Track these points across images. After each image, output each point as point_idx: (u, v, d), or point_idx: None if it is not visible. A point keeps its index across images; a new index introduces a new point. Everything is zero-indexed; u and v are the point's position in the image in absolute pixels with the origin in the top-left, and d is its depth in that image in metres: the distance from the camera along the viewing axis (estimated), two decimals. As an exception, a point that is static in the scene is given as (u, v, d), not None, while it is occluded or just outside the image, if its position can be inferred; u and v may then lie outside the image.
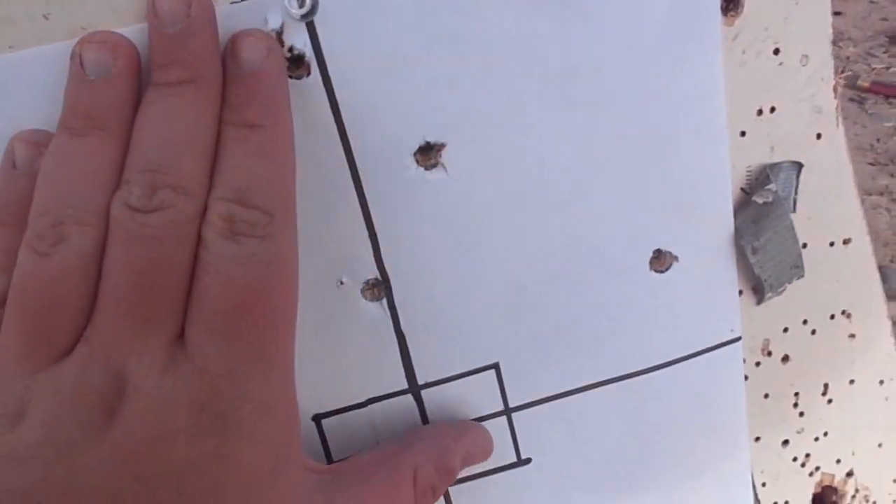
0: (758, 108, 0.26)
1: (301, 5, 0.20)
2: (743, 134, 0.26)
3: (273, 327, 0.18)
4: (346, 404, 0.25)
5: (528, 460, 0.27)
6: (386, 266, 0.24)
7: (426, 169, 0.23)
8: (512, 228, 0.25)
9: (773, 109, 0.26)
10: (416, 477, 0.22)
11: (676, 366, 0.28)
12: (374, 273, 0.24)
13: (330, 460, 0.26)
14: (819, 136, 0.27)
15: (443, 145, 0.23)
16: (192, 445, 0.17)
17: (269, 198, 0.18)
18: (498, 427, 0.27)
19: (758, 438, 0.30)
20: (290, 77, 0.21)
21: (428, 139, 0.23)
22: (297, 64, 0.21)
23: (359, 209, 0.23)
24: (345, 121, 0.22)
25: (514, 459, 0.27)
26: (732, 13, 0.24)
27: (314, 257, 0.23)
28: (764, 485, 0.31)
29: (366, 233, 0.23)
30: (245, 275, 0.18)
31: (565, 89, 0.23)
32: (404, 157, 0.23)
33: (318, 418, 0.25)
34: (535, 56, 0.23)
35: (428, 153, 0.23)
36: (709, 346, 0.28)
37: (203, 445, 0.17)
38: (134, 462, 0.16)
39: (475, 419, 0.26)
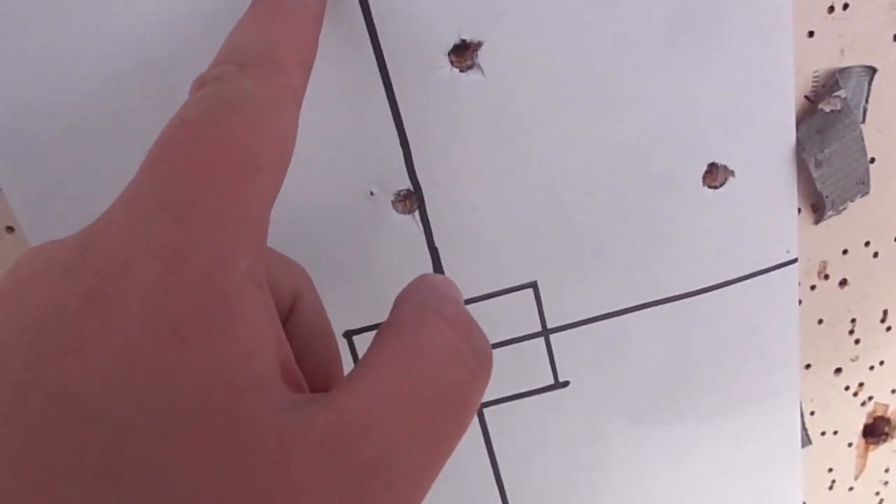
0: (829, 4, 0.23)
1: None
2: (811, 34, 0.24)
3: (222, 169, 0.14)
4: (379, 321, 0.24)
5: (566, 383, 0.26)
6: (418, 176, 0.23)
7: (461, 70, 0.22)
8: (552, 136, 0.23)
9: (845, 6, 0.24)
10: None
11: (727, 288, 0.26)
12: (405, 183, 0.23)
13: (361, 378, 0.25)
14: (895, 37, 0.24)
15: (479, 44, 0.21)
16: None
17: (242, 51, 0.16)
18: (535, 348, 0.26)
19: (808, 366, 0.29)
20: (315, -33, 0.20)
21: (463, 37, 0.21)
22: (322, -48, 0.20)
23: (389, 115, 0.22)
24: (374, 19, 0.21)
25: (552, 382, 0.26)
26: None
27: (342, 166, 0.22)
28: (812, 413, 0.30)
29: (397, 140, 0.22)
30: (184, 112, 0.15)
31: (614, -16, 0.21)
32: (438, 58, 0.21)
33: (349, 335, 0.25)
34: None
35: (463, 53, 0.21)
36: (762, 268, 0.26)
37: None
38: None
39: (511, 340, 0.25)
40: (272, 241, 0.16)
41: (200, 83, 0.15)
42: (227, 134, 0.14)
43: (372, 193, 0.23)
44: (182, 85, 0.20)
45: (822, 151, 0.24)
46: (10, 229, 0.22)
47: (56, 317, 0.12)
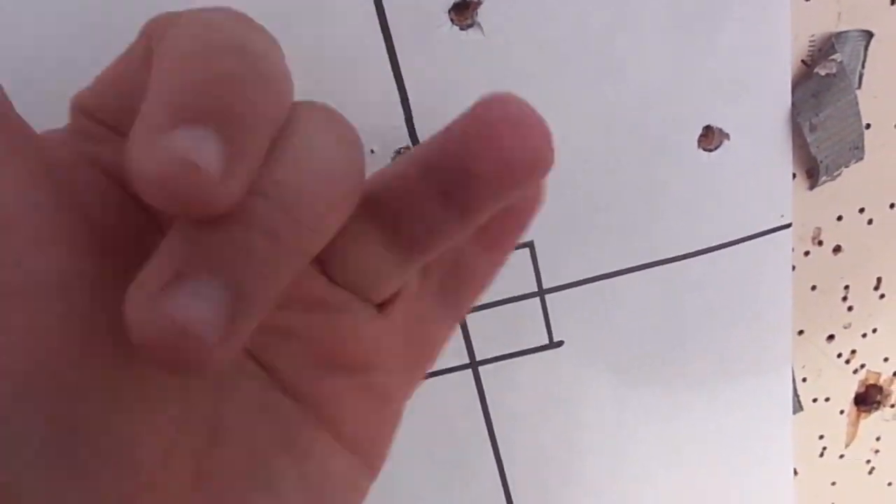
0: (827, -32, 0.24)
1: None
2: (808, -1, 0.24)
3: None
4: (377, 278, 0.25)
5: (561, 343, 0.27)
6: (418, 134, 0.23)
7: (461, 28, 0.22)
8: (549, 97, 0.23)
9: (843, -28, 0.24)
10: None
11: (720, 252, 0.26)
12: (405, 141, 0.23)
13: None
14: (893, 1, 0.24)
15: (479, 2, 0.22)
16: None
17: None
18: (531, 308, 0.26)
19: (801, 332, 0.29)
20: (317, -78, 0.20)
21: (463, -6, 0.22)
22: None
23: (390, 72, 0.22)
24: (375, -27, 0.21)
25: (546, 342, 0.27)
26: None
27: (343, 121, 0.22)
28: (805, 380, 0.30)
29: (397, 98, 0.22)
30: None
31: (614, -56, 0.22)
32: (439, 15, 0.22)
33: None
34: None
35: (464, 11, 0.22)
36: (756, 231, 0.26)
37: None
38: None
39: (507, 299, 0.26)
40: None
41: None
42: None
43: (372, 151, 0.23)
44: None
45: (817, 115, 0.24)
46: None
47: None
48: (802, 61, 0.25)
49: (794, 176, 0.26)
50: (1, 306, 0.12)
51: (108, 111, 0.15)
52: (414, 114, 0.23)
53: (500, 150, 0.13)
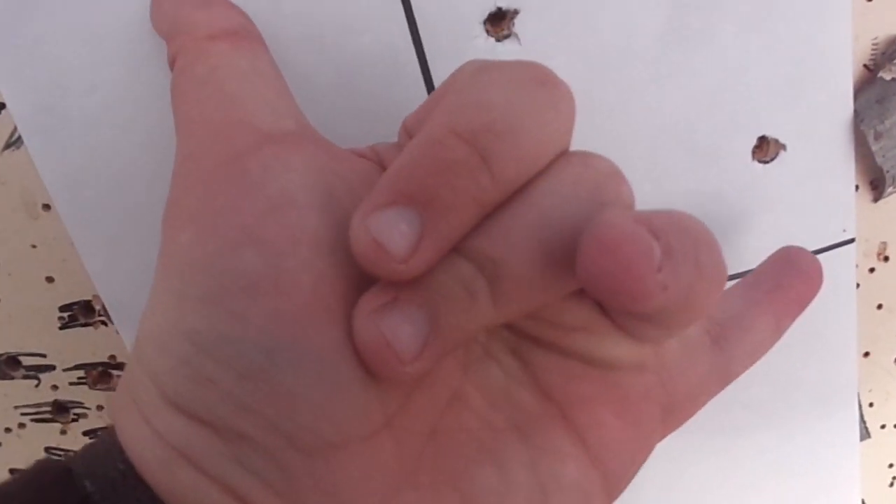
0: (890, -35, 0.22)
1: None
2: (870, -2, 0.22)
3: None
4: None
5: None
6: (453, 151, 0.22)
7: (497, 40, 0.21)
8: (592, 109, 0.22)
9: (908, -32, 0.22)
10: None
11: (777, 269, 0.25)
12: (440, 159, 0.22)
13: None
14: (964, -2, 0.23)
15: (516, 12, 0.21)
16: None
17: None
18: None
19: (867, 354, 0.27)
20: (346, -67, 0.19)
21: (500, 5, 0.20)
22: (353, -83, 0.19)
23: (423, 85, 0.21)
24: (407, -16, 0.20)
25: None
26: None
27: (375, 138, 0.21)
28: (871, 405, 0.28)
29: (431, 113, 0.21)
30: None
31: (658, -53, 0.20)
32: (473, 27, 0.21)
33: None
34: None
35: (500, 21, 0.21)
36: (817, 248, 0.25)
37: None
38: None
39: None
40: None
41: None
42: None
43: (405, 169, 0.22)
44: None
45: (883, 122, 0.23)
46: (46, 207, 0.22)
47: None
48: (865, 65, 0.23)
49: (856, 188, 0.25)
50: (280, 256, 0.14)
51: (416, 129, 0.17)
52: (449, 130, 0.22)
53: (607, 292, 0.13)
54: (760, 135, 0.23)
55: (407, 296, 0.13)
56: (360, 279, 0.14)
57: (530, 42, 0.21)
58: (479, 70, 0.15)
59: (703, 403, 0.18)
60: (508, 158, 0.14)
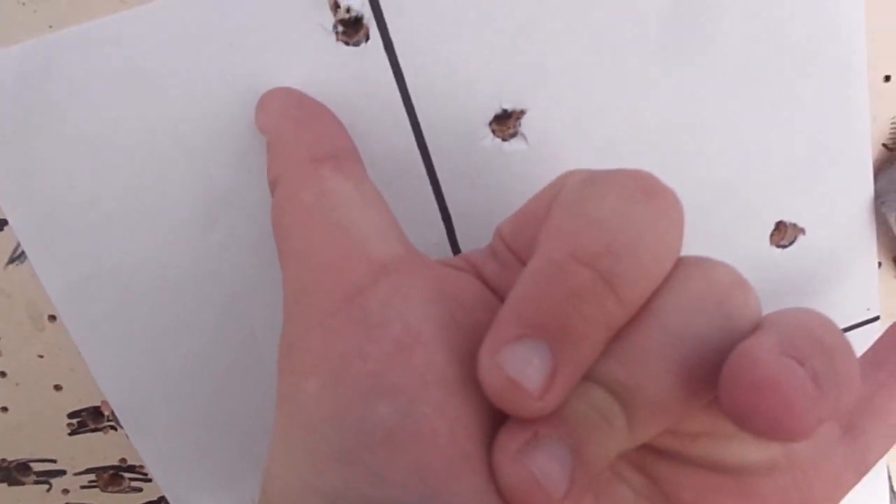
0: (907, 45, 0.21)
1: (353, -39, 0.17)
2: (887, 79, 0.22)
3: None
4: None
5: None
6: (461, 246, 0.22)
7: (504, 139, 0.20)
8: (605, 202, 0.21)
9: (926, 46, 0.22)
10: None
11: (800, 351, 0.24)
12: (447, 255, 0.22)
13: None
14: None
15: (522, 112, 0.20)
16: None
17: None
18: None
19: (897, 432, 0.26)
20: (347, 44, 0.19)
21: (505, 106, 0.20)
22: (354, 29, 0.19)
23: (429, 187, 0.21)
24: (410, 90, 0.20)
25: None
26: (877, -70, 0.20)
27: (382, 243, 0.21)
28: (902, 480, 0.27)
29: (437, 213, 0.21)
30: None
31: (667, 35, 0.20)
32: (479, 128, 0.20)
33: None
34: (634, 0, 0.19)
35: (505, 122, 0.20)
36: (841, 328, 0.24)
37: None
38: None
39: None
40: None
41: None
42: None
43: (414, 269, 0.22)
44: (214, 174, 0.20)
45: (905, 205, 0.22)
46: (52, 318, 0.21)
47: None
48: (884, 145, 0.22)
49: (879, 264, 0.24)
50: (413, 402, 0.13)
51: (516, 241, 0.16)
52: (455, 227, 0.21)
53: (761, 430, 0.12)
54: (778, 220, 0.22)
55: (547, 431, 0.13)
56: (491, 414, 0.14)
57: (537, 141, 0.20)
58: (585, 184, 0.15)
59: (841, 498, 0.17)
60: (632, 278, 0.13)
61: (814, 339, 0.13)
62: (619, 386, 0.13)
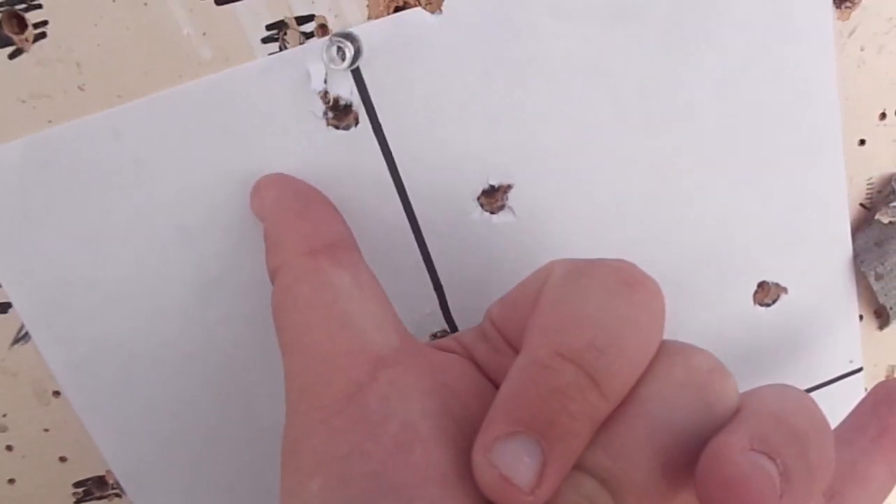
0: (880, 111, 0.22)
1: (343, 58, 0.18)
2: (862, 142, 0.22)
3: None
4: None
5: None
6: (454, 317, 0.22)
7: (492, 213, 0.21)
8: (591, 268, 0.22)
9: (898, 111, 0.22)
10: None
11: (786, 403, 0.25)
12: (441, 325, 0.22)
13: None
14: (957, 138, 0.23)
15: (509, 186, 0.21)
16: None
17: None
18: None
19: (883, 473, 0.27)
20: (337, 128, 0.20)
21: (492, 182, 0.21)
22: (344, 113, 0.19)
23: (421, 261, 0.21)
24: (400, 170, 0.20)
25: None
26: (848, 5, 0.21)
27: (376, 316, 0.22)
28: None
29: (430, 285, 0.22)
30: None
31: (646, 108, 0.21)
32: (467, 203, 0.21)
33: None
34: (608, 75, 0.20)
35: (493, 196, 0.21)
36: (825, 380, 0.25)
37: None
38: None
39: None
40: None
41: None
42: None
43: (407, 338, 0.22)
44: (210, 255, 0.21)
45: (883, 264, 0.23)
46: (56, 393, 0.22)
47: None
48: (861, 204, 0.23)
49: (861, 317, 0.24)
50: (413, 500, 0.14)
51: (505, 325, 0.17)
52: (448, 298, 0.22)
53: None
54: (760, 280, 0.23)
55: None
56: None
57: (525, 213, 0.21)
58: (569, 278, 0.16)
59: None
60: (614, 371, 0.14)
61: (786, 429, 0.14)
62: (607, 475, 0.14)
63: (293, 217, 0.18)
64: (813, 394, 0.25)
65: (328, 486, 0.14)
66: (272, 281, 0.18)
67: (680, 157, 0.21)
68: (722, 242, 0.22)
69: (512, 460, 0.13)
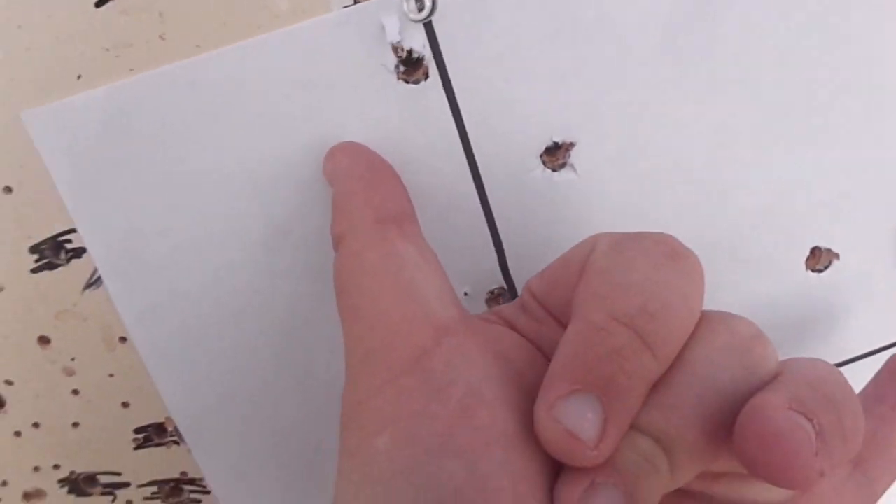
0: (939, 79, 0.22)
1: (421, 9, 0.19)
2: (919, 110, 0.23)
3: None
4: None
5: None
6: (512, 274, 0.23)
7: (554, 170, 0.22)
8: (647, 227, 0.22)
9: (956, 79, 0.22)
10: None
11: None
12: (499, 282, 0.23)
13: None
14: None
15: (572, 144, 0.21)
16: None
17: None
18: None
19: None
20: (407, 82, 0.20)
21: (556, 139, 0.21)
22: (414, 67, 0.20)
23: (482, 217, 0.22)
24: (466, 125, 0.21)
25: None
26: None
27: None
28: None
29: (490, 241, 0.22)
30: None
31: (709, 70, 0.21)
32: (530, 160, 0.21)
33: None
34: (674, 38, 0.20)
35: (555, 153, 0.21)
36: (872, 349, 0.25)
37: None
38: None
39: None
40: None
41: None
42: None
43: (466, 294, 0.23)
44: (278, 208, 0.21)
45: (937, 232, 0.23)
46: (122, 339, 0.23)
47: None
48: (916, 173, 0.23)
49: (910, 288, 0.25)
50: (478, 461, 0.14)
51: (546, 297, 0.18)
52: (507, 255, 0.22)
53: (768, 477, 0.14)
54: (813, 246, 0.23)
55: (603, 478, 0.14)
56: (546, 467, 0.15)
57: (586, 171, 0.22)
58: (614, 250, 0.16)
59: None
60: (664, 335, 0.15)
61: (822, 395, 0.14)
62: (661, 434, 0.14)
63: (363, 186, 0.19)
64: (864, 361, 0.25)
65: (395, 442, 0.15)
66: (335, 246, 0.18)
67: (739, 120, 0.22)
68: (778, 207, 0.23)
69: (576, 416, 0.14)
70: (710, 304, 0.24)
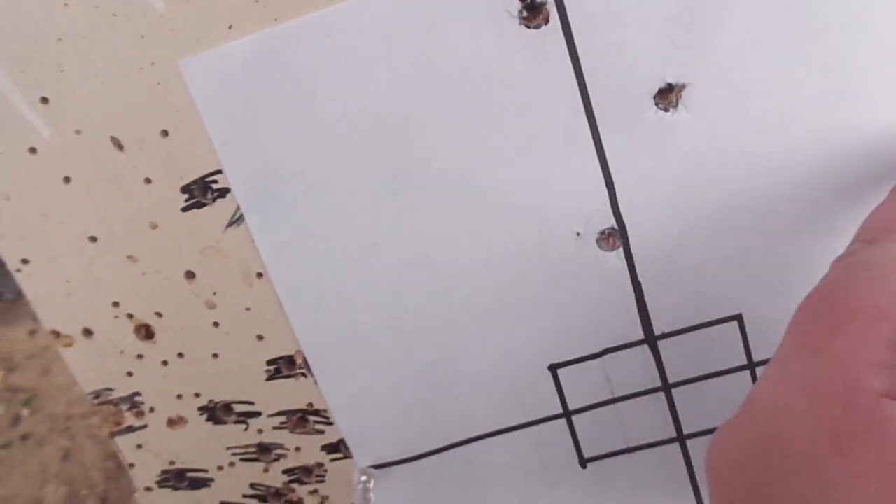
0: None
1: (545, -50, 0.20)
2: None
3: (848, 318, 0.17)
4: (582, 355, 0.25)
5: (773, 416, 0.26)
6: (623, 214, 0.23)
7: (666, 111, 0.22)
8: (756, 170, 0.23)
9: None
10: None
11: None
12: (610, 222, 0.24)
13: (566, 409, 0.26)
14: None
15: (684, 86, 0.22)
16: None
17: (872, 231, 0.20)
18: (740, 381, 0.26)
19: None
20: (528, 27, 0.21)
21: (669, 80, 0.22)
22: (536, 13, 0.21)
23: (595, 157, 0.23)
24: (583, 67, 0.22)
25: (757, 414, 0.26)
26: None
27: (551, 208, 0.23)
28: None
29: (602, 181, 0.23)
30: (820, 282, 0.19)
31: (820, 9, 0.21)
32: (643, 101, 0.22)
33: (553, 368, 0.26)
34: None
35: (668, 95, 0.22)
36: None
37: None
38: None
39: (716, 373, 0.25)
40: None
41: (838, 260, 0.19)
42: (850, 291, 0.17)
43: (578, 234, 0.24)
44: (403, 149, 0.23)
45: None
46: (259, 275, 0.25)
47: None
48: None
49: None
50: None
51: None
52: (619, 196, 0.23)
53: None
54: (929, 187, 0.23)
55: None
56: None
57: (699, 113, 0.22)
58: None
59: None
60: None
61: None
62: None
63: None
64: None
65: None
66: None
67: (850, 58, 0.22)
68: (892, 146, 0.23)
69: None
70: (819, 245, 0.24)
